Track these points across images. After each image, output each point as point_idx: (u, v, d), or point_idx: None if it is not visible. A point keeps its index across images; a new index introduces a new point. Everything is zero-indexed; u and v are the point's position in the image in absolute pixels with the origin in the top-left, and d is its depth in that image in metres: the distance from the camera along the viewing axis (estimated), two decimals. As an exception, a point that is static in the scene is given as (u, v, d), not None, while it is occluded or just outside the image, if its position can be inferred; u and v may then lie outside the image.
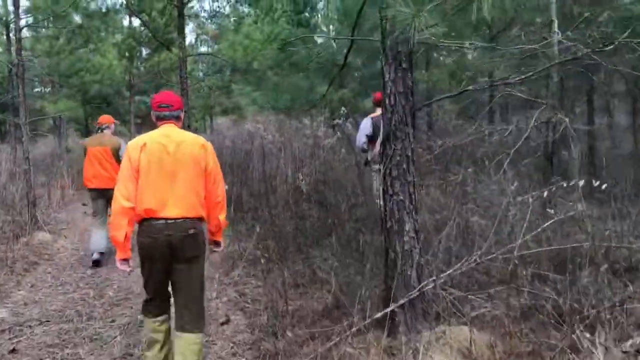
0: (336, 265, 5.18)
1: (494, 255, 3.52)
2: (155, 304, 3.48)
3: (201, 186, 3.38)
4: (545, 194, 4.29)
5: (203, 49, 22.74)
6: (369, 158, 7.46)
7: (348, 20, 9.31)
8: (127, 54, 22.68)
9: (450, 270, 3.51)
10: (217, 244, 3.76)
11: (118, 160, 6.79)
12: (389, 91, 3.53)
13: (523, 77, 4.59)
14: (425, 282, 3.45)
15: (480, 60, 8.09)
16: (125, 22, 23.86)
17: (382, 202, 7.51)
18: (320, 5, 20.93)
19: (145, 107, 30.49)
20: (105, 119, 7.39)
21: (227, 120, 23.93)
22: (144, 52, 25.06)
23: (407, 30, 3.44)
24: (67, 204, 11.99)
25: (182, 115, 3.57)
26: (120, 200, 3.27)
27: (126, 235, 3.29)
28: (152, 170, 3.27)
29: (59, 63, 16.13)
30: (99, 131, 7.29)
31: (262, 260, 5.30)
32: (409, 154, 3.56)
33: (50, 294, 5.79)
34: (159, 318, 3.48)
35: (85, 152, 7.13)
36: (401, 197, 3.55)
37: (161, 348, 3.47)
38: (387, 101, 3.57)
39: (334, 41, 13.08)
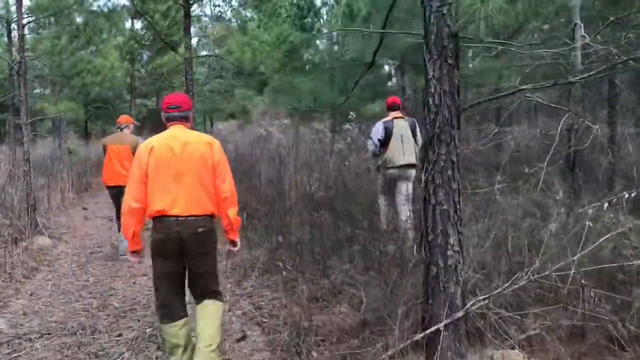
0: (358, 278, 4.85)
1: (549, 272, 3.19)
2: (169, 308, 3.47)
3: (210, 183, 3.46)
4: (606, 205, 3.95)
5: (204, 52, 22.48)
6: (380, 163, 7.23)
7: (375, 17, 8.93)
8: (128, 56, 22.44)
9: (502, 289, 3.17)
10: (233, 243, 3.75)
11: None
12: (432, 90, 3.20)
13: (561, 81, 4.26)
14: (473, 302, 3.12)
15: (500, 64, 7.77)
16: (128, 24, 23.65)
17: (407, 212, 7.31)
18: (324, 10, 20.76)
19: (146, 109, 30.26)
20: (124, 118, 7.54)
21: (229, 124, 23.63)
22: (146, 55, 24.85)
23: (456, 22, 3.13)
24: (68, 207, 11.62)
25: (190, 115, 3.66)
26: (128, 201, 3.41)
27: (134, 232, 3.45)
28: (161, 171, 3.37)
29: (61, 64, 15.82)
30: (118, 130, 7.44)
31: (284, 273, 4.95)
32: (454, 159, 3.23)
33: (51, 304, 5.44)
34: (178, 322, 3.47)
35: (105, 150, 7.24)
36: (445, 207, 3.21)
37: (184, 351, 3.48)
38: (430, 101, 3.24)
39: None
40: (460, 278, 3.15)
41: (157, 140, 3.49)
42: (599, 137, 7.12)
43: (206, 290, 3.52)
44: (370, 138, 7.28)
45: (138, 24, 24.00)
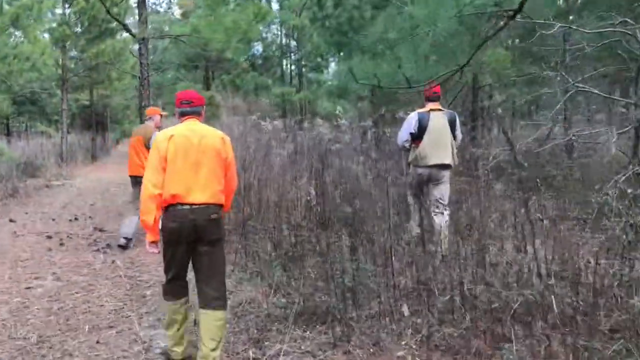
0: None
1: None
2: (175, 287, 3.71)
3: (222, 175, 3.65)
4: None
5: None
6: (410, 159, 6.06)
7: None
8: (60, 44, 19.76)
9: None
10: None
11: (148, 148, 6.81)
12: None
13: None
14: None
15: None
16: (59, 10, 20.87)
17: (442, 221, 5.83)
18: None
19: (77, 105, 27.40)
20: (150, 111, 7.71)
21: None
22: (80, 43, 22.03)
23: None
24: (-12, 219, 9.37)
25: (202, 110, 3.87)
26: (149, 187, 3.53)
27: (155, 219, 3.53)
28: (179, 159, 3.53)
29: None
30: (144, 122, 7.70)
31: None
32: None
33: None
34: (180, 300, 3.72)
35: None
36: None
37: (180, 327, 3.73)
38: None
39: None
40: None
41: (176, 130, 3.65)
42: None
43: (213, 291, 3.57)
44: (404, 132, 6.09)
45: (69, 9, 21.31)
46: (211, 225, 3.53)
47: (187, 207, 3.47)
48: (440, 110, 6.00)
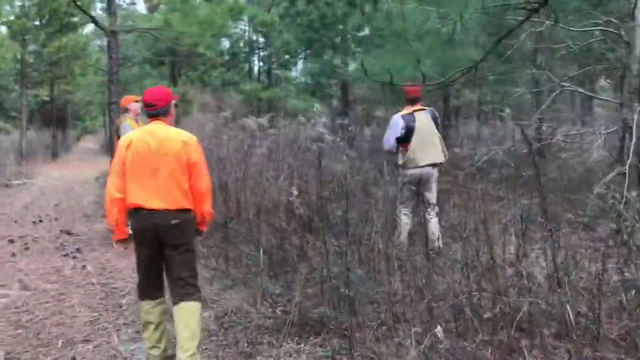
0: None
1: None
2: (147, 287, 3.66)
3: (184, 180, 3.56)
4: None
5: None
6: (400, 163, 5.91)
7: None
8: (19, 36, 18.94)
9: None
10: (198, 232, 3.84)
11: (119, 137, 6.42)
12: None
13: None
14: None
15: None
16: (18, 2, 20.01)
17: (437, 227, 5.67)
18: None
19: (36, 101, 26.44)
20: (124, 101, 7.06)
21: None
22: (39, 37, 21.14)
23: None
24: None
25: (170, 109, 3.74)
26: (111, 190, 3.58)
27: (117, 221, 3.61)
28: (136, 166, 3.53)
29: None
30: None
31: None
32: None
33: None
34: (152, 301, 3.65)
35: None
36: None
37: (155, 328, 3.64)
38: None
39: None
40: None
41: (136, 135, 3.65)
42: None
43: (184, 282, 3.55)
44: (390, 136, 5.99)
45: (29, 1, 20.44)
46: (174, 230, 3.52)
47: (147, 212, 3.49)
48: (422, 109, 5.91)
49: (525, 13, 2.44)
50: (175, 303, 3.55)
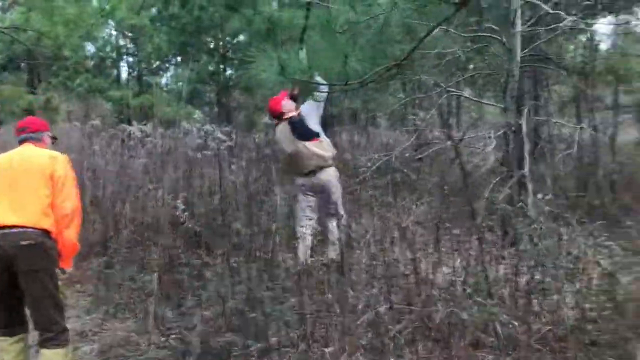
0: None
1: None
2: (1, 320, 3.17)
3: (46, 194, 3.17)
4: None
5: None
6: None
7: None
8: None
9: None
10: (61, 270, 3.29)
11: None
12: None
13: None
14: None
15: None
16: None
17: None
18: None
19: None
20: None
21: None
22: None
23: None
24: None
25: (43, 136, 3.50)
26: None
27: None
28: None
29: None
30: None
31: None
32: None
33: None
34: (10, 338, 3.17)
35: None
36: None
37: None
38: None
39: None
40: None
41: (2, 155, 3.39)
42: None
43: (45, 321, 3.11)
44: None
45: None
46: (23, 254, 3.02)
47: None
48: (284, 119, 5.40)
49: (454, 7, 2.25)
50: (40, 349, 3.15)
